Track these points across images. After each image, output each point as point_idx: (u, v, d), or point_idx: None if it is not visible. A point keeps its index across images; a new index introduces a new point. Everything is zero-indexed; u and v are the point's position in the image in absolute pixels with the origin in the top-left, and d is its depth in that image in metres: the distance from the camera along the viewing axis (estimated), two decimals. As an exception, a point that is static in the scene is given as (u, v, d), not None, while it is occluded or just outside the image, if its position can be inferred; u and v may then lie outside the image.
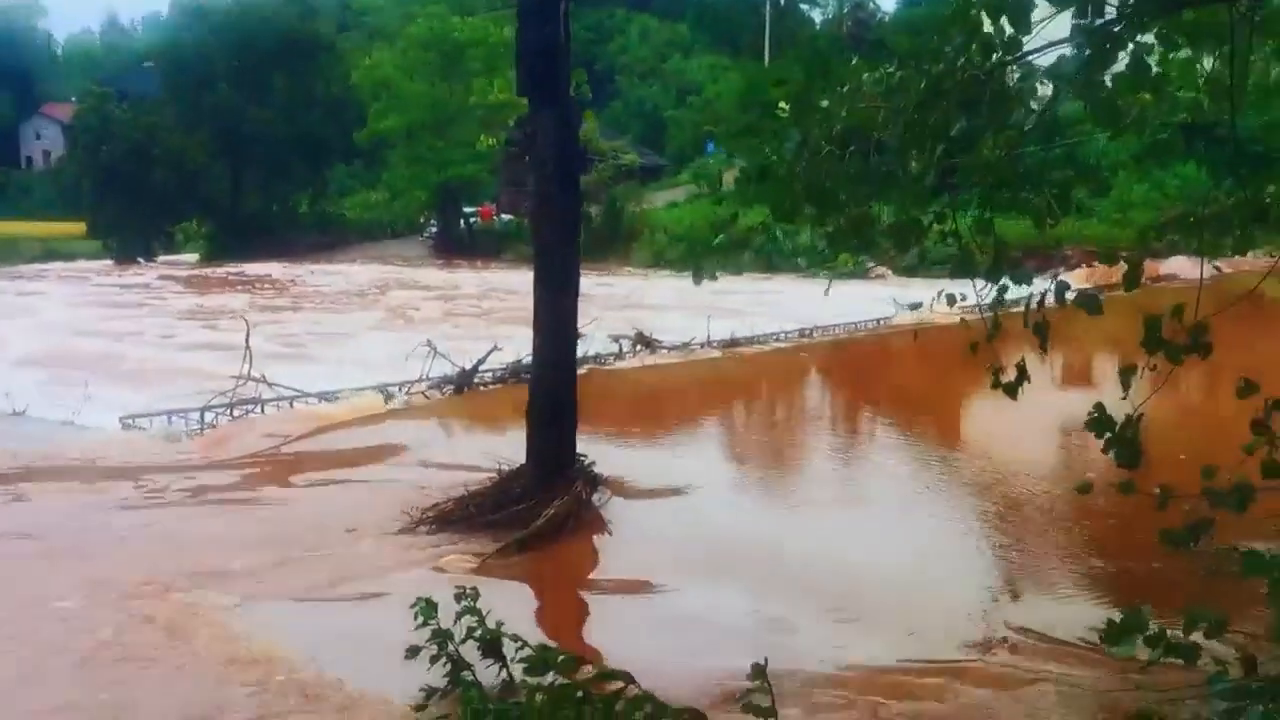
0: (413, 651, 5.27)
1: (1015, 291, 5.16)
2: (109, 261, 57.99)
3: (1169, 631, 4.76)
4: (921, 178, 5.24)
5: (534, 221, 9.76)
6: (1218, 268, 4.78)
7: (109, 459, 11.70)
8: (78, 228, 65.10)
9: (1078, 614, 6.56)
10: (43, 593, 7.27)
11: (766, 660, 4.51)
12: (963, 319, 5.51)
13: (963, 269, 5.63)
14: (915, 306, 8.06)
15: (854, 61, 5.34)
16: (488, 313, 29.05)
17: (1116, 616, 4.76)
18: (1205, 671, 4.91)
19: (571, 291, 8.93)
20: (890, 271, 33.39)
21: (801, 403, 17.43)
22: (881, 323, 23.47)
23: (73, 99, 69.60)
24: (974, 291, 5.34)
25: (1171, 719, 4.61)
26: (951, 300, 5.50)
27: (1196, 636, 4.76)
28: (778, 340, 21.57)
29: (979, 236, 5.55)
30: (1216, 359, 4.63)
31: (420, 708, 5.10)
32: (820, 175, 5.19)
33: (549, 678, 4.79)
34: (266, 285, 41.75)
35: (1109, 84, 4.79)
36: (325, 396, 14.70)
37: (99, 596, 7.10)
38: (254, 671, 5.90)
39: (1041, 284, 5.00)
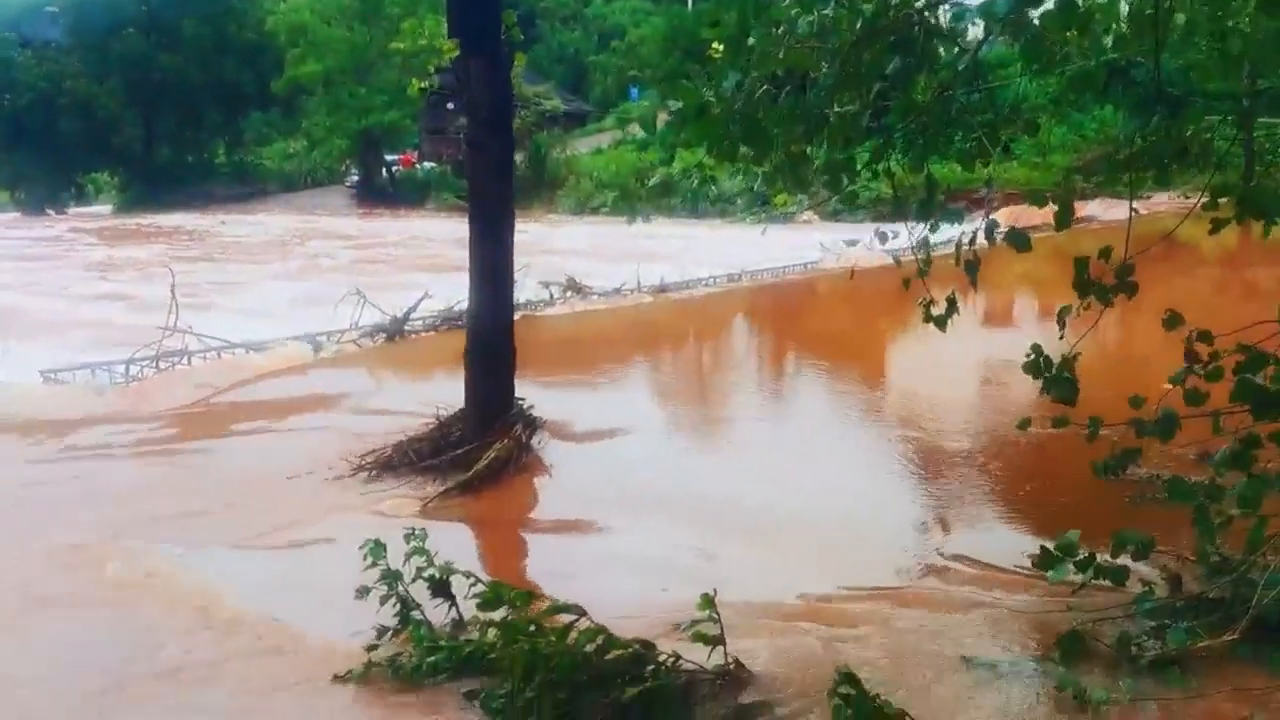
0: (362, 592, 5.31)
1: (945, 232, 5.32)
2: (17, 214, 56.44)
3: (1098, 556, 4.97)
4: (857, 118, 5.34)
5: (467, 168, 9.71)
6: (1135, 210, 4.94)
7: (33, 413, 11.46)
8: (-18, 179, 63.12)
9: (1009, 542, 6.79)
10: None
11: (715, 591, 4.64)
12: (896, 259, 5.65)
13: (896, 208, 5.77)
14: (852, 244, 8.22)
15: (787, 1, 5.40)
16: (412, 261, 28.82)
17: (1048, 543, 4.96)
18: (1133, 592, 5.14)
19: (507, 236, 8.91)
20: (817, 216, 33.67)
21: (733, 346, 17.62)
22: (810, 266, 23.72)
23: (-30, 46, 66.98)
24: (906, 230, 5.49)
25: (1101, 638, 4.81)
26: (884, 238, 5.65)
27: (1124, 559, 4.98)
28: (707, 285, 21.71)
29: (911, 175, 5.71)
30: (1136, 297, 4.82)
31: (372, 647, 5.15)
32: (756, 114, 5.26)
33: (500, 613, 4.88)
34: (182, 236, 40.98)
35: (1037, 23, 4.91)
36: (253, 347, 14.54)
37: (37, 549, 7.01)
38: (204, 619, 5.88)
39: (970, 224, 5.16)
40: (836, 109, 5.36)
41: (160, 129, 63.22)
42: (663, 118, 5.75)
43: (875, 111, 5.36)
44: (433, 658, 4.98)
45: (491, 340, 8.89)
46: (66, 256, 33.63)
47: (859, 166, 5.61)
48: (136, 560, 6.77)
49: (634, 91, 61.24)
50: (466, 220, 9.07)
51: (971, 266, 5.13)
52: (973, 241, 5.07)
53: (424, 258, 29.17)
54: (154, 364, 13.57)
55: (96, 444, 10.07)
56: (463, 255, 9.08)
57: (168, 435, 10.49)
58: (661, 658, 4.62)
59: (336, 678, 4.97)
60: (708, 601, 4.60)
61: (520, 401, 9.04)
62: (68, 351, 14.44)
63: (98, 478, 9.02)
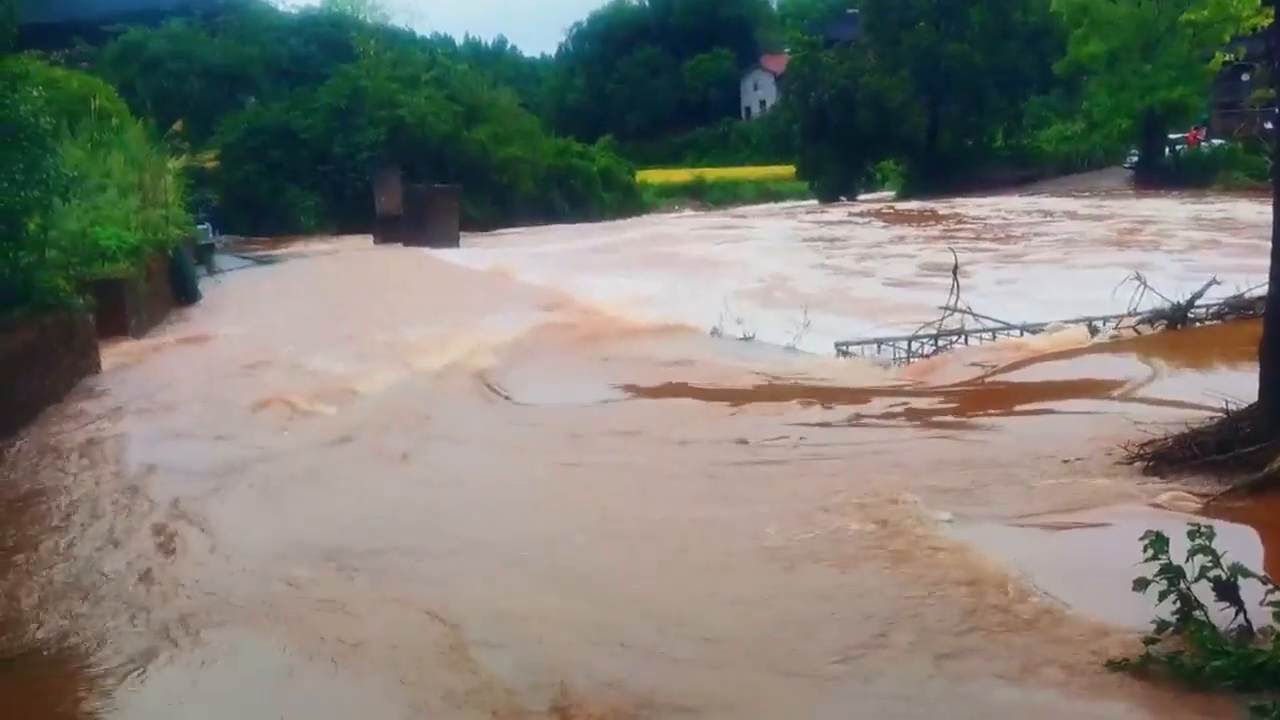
0: (1141, 584, 5.17)
1: None
2: (814, 201, 62.08)
3: None
4: None
5: (1275, 142, 8.90)
6: None
7: (829, 382, 12.70)
8: (788, 170, 70.39)
9: None
10: (785, 495, 8.12)
11: None
12: None
13: None
14: None
15: None
16: (1196, 244, 27.00)
17: None
18: None
19: (1320, 216, 8.02)
20: None
21: None
22: None
23: (785, 50, 74.83)
24: None
25: None
26: None
27: None
28: None
29: None
30: None
31: (1151, 641, 5.01)
32: None
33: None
34: (960, 220, 42.15)
35: None
36: (1029, 329, 14.67)
37: (826, 503, 7.77)
38: (966, 586, 6.12)
39: None
40: None
41: (943, 116, 65.39)
42: None
43: None
44: (1217, 662, 4.74)
45: (1294, 329, 8.06)
46: (855, 238, 36.44)
47: None
48: (909, 522, 7.21)
49: None
50: (1265, 200, 8.32)
51: None
52: None
53: (1210, 240, 27.18)
54: (934, 342, 14.25)
55: (880, 413, 10.86)
56: (1246, 239, 8.33)
57: (944, 409, 10.98)
58: None
59: (1112, 664, 4.92)
60: None
61: (1324, 400, 8.11)
62: (857, 326, 15.73)
63: (878, 444, 9.72)
